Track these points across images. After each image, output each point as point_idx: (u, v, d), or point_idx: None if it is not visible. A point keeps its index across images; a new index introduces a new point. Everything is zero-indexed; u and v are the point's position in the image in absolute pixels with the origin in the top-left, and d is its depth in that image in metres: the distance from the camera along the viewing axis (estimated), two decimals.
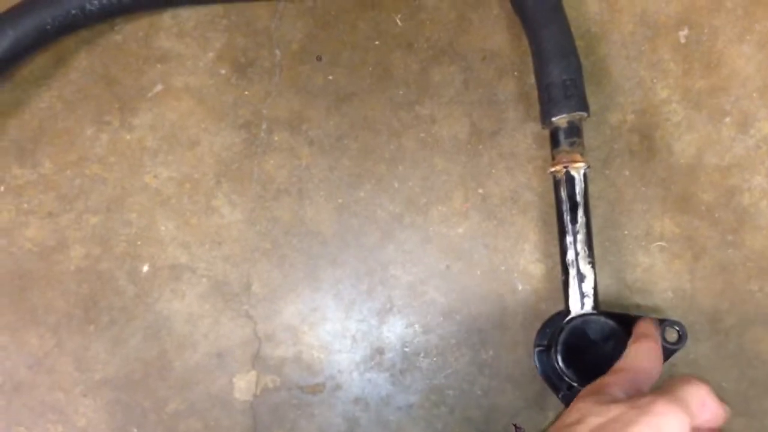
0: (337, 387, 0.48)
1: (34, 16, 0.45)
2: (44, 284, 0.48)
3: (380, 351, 0.48)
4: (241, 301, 0.48)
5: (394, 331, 0.48)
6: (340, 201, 0.49)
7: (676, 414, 0.32)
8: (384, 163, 0.50)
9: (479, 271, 0.49)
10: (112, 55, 0.50)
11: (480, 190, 0.49)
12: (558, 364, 0.42)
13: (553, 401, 0.46)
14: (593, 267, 0.44)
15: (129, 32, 0.50)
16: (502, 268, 0.49)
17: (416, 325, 0.48)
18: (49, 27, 0.46)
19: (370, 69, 0.50)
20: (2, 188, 0.48)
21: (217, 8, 0.50)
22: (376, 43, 0.50)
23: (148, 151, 0.49)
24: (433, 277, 0.49)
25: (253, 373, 0.48)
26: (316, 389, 0.48)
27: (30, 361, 0.47)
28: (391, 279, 0.49)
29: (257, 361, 0.48)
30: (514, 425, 0.47)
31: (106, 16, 0.48)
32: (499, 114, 0.50)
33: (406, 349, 0.48)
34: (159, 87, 0.50)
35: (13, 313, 0.47)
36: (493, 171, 0.49)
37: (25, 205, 0.48)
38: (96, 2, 0.46)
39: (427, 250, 0.49)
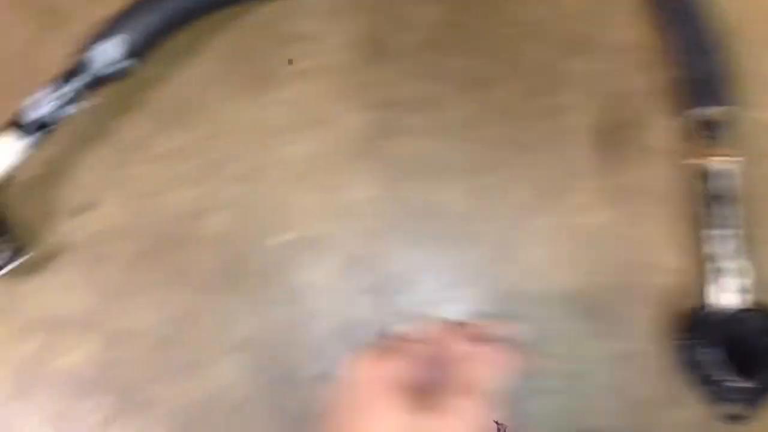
0: None
1: None
2: (187, 247, 0.50)
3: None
4: (373, 276, 0.49)
5: (522, 316, 0.48)
6: (470, 186, 0.50)
7: None
8: (516, 149, 0.50)
9: (611, 261, 0.48)
10: (248, 34, 0.52)
11: (614, 181, 0.49)
12: (707, 358, 0.41)
13: (694, 396, 0.45)
14: (740, 262, 0.43)
15: (265, 12, 0.52)
16: (635, 259, 0.48)
17: (545, 313, 0.48)
18: (192, 6, 0.48)
19: (504, 56, 0.51)
20: (154, 152, 0.51)
21: None
22: (511, 30, 0.51)
23: (285, 125, 0.51)
24: (563, 266, 0.49)
25: None
26: None
27: (172, 319, 0.49)
28: (519, 265, 0.49)
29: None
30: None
31: None
32: (635, 106, 0.50)
33: (536, 336, 0.48)
34: (299, 64, 0.51)
35: (159, 272, 0.49)
36: (628, 162, 0.49)
37: (173, 171, 0.50)
38: None
39: (557, 238, 0.49)
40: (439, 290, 0.49)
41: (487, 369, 0.34)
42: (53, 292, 0.49)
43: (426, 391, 0.32)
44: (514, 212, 0.49)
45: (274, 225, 0.50)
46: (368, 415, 0.32)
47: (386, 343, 0.35)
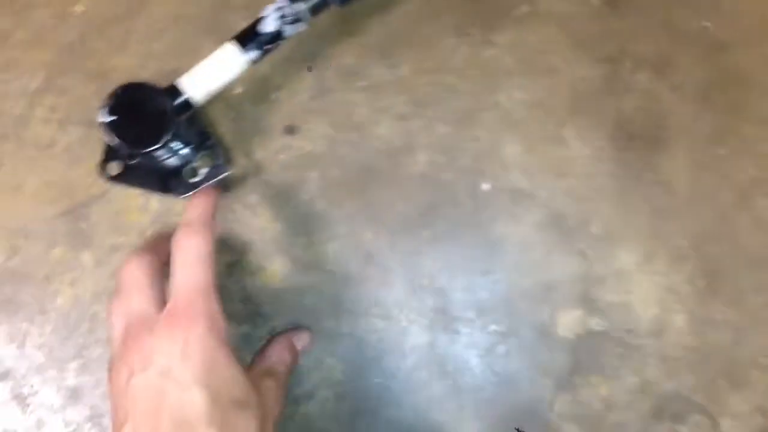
0: (665, 344, 0.46)
1: None
2: (387, 183, 0.48)
3: (706, 321, 0.46)
4: (577, 237, 0.47)
5: (720, 301, 0.45)
6: (697, 155, 0.47)
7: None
8: (752, 123, 0.47)
9: None
10: None
11: None
12: None
13: None
14: None
15: None
16: None
17: (757, 301, 0.45)
18: None
19: (752, 21, 0.47)
20: (362, 84, 0.49)
21: None
22: None
23: (504, 70, 0.48)
24: None
25: (579, 312, 0.47)
26: (642, 342, 0.46)
27: (362, 255, 0.48)
28: (737, 247, 0.46)
29: (585, 301, 0.47)
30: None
31: None
32: None
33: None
34: (525, 8, 0.49)
35: (354, 206, 0.48)
36: None
37: (380, 104, 0.49)
38: None
39: None
40: (641, 262, 0.47)
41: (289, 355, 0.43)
42: (242, 212, 0.48)
43: None
44: (741, 190, 0.46)
45: (480, 171, 0.48)
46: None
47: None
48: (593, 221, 0.47)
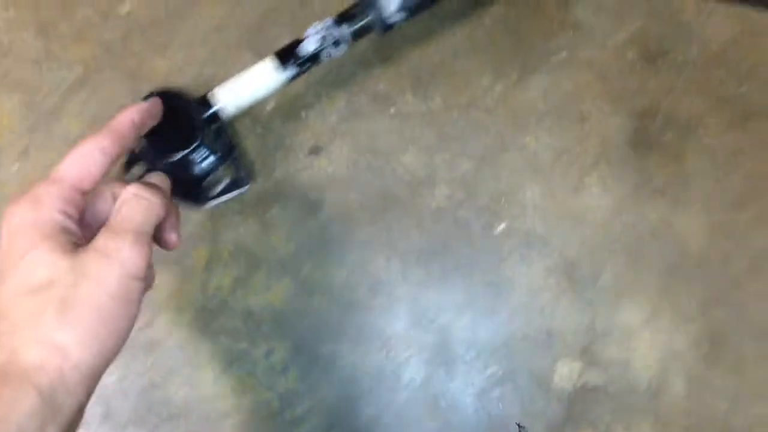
0: (661, 405, 0.46)
1: None
2: (404, 212, 0.49)
3: (705, 386, 0.46)
4: (587, 287, 0.47)
5: (721, 368, 0.46)
6: (716, 218, 0.47)
7: None
8: None
9: None
10: (529, 11, 0.49)
11: None
12: None
13: None
14: None
15: None
16: None
17: (750, 368, 0.46)
18: None
19: None
20: (392, 110, 0.49)
21: None
22: None
23: (536, 113, 0.49)
24: None
25: (579, 363, 0.47)
26: (638, 401, 0.46)
27: (371, 282, 0.48)
28: (744, 316, 0.46)
29: (585, 353, 0.47)
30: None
31: None
32: None
33: None
34: (564, 54, 0.49)
35: (369, 232, 0.48)
36: None
37: (408, 133, 0.49)
38: None
39: None
40: (647, 320, 0.47)
41: (144, 213, 0.33)
42: (256, 228, 0.49)
43: (82, 231, 0.32)
44: (757, 258, 0.46)
45: (496, 211, 0.48)
46: (25, 262, 0.30)
47: (41, 189, 0.31)
48: (604, 272, 0.47)
